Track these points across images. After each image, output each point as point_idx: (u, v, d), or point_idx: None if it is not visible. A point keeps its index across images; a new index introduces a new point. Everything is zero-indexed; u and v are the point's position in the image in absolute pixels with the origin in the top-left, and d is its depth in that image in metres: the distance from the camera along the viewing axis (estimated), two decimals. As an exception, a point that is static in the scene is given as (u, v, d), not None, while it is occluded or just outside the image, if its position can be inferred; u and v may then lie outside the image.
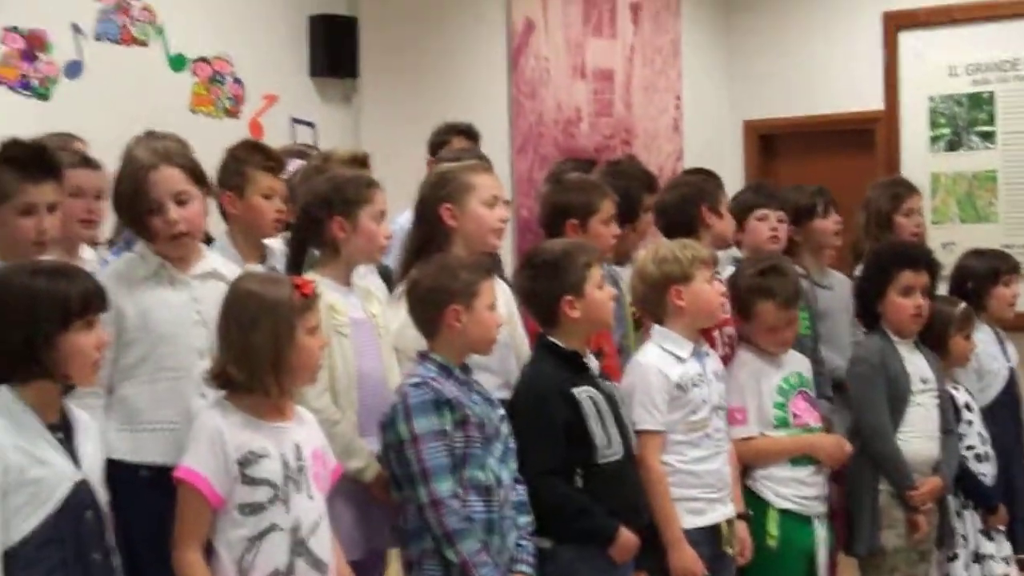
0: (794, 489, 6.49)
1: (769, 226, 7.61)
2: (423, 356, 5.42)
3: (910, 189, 8.72)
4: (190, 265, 5.33)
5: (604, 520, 5.64)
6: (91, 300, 4.39)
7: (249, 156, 6.14)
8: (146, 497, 4.99)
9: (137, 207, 5.27)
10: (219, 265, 5.44)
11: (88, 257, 6.18)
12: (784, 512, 6.44)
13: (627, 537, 5.67)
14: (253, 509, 4.63)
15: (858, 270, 7.87)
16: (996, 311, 7.84)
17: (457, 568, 5.22)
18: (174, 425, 5.11)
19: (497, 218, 6.12)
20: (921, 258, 7.25)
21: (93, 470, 4.45)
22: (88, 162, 6.22)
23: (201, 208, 5.38)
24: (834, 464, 6.67)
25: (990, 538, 7.27)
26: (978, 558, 7.21)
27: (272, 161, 6.16)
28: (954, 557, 7.14)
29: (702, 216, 7.11)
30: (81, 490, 4.36)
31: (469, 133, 8.95)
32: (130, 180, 5.29)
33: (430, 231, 6.04)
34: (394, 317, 5.74)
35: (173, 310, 5.23)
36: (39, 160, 5.34)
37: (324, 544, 4.80)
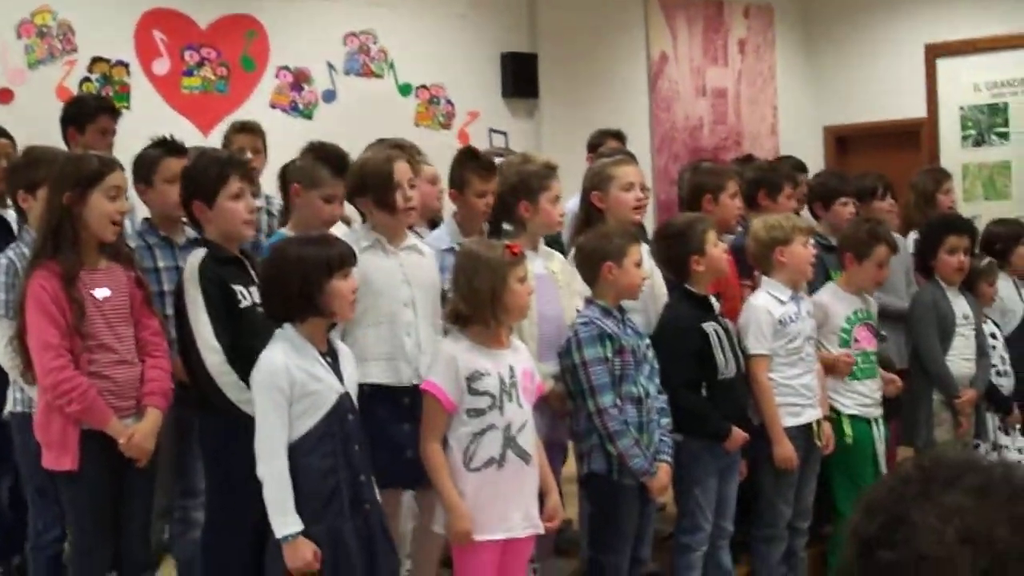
0: (855, 399, 6.36)
1: (848, 211, 7.41)
2: (588, 301, 5.41)
3: (946, 175, 8.61)
4: (399, 240, 5.30)
5: (720, 422, 5.65)
6: (345, 257, 4.50)
7: (467, 162, 6.10)
8: (366, 406, 4.95)
9: (383, 187, 5.22)
10: (417, 242, 5.45)
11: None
12: (852, 416, 6.34)
13: (737, 434, 5.66)
14: (476, 413, 4.71)
15: (910, 236, 7.73)
16: (1018, 265, 7.70)
17: (616, 458, 5.24)
18: (389, 356, 5.15)
19: (633, 198, 5.99)
20: (963, 226, 7.22)
21: (351, 386, 4.56)
22: None
23: (420, 193, 5.47)
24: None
25: (1007, 433, 7.23)
26: (996, 448, 7.15)
27: (484, 168, 6.06)
28: (976, 447, 7.07)
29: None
30: (344, 400, 4.49)
31: (618, 136, 8.82)
32: (378, 168, 5.26)
33: (588, 211, 6.00)
34: (573, 274, 5.66)
35: (385, 272, 5.20)
36: (343, 163, 5.54)
37: (528, 440, 4.83)
